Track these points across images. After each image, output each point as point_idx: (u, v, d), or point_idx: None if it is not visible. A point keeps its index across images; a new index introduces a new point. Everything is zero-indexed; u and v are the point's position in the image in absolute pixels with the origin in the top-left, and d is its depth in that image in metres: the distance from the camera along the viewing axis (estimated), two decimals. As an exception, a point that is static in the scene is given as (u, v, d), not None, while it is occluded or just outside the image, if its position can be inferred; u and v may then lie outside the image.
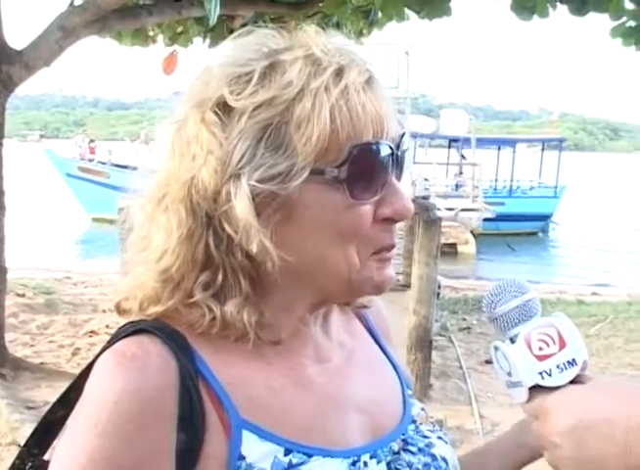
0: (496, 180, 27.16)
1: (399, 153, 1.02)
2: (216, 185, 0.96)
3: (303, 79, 0.95)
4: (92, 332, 8.15)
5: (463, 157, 27.75)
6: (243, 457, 0.93)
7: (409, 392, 1.20)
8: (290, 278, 1.00)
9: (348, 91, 0.96)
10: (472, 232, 20.29)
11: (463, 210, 20.20)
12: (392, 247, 1.03)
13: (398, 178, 1.03)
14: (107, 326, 8.02)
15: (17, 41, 6.65)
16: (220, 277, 0.98)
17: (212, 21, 5.38)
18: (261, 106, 0.95)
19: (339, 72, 0.97)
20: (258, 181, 0.94)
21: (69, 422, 0.95)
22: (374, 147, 0.98)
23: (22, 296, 9.70)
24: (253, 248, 0.95)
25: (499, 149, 27.99)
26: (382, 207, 0.99)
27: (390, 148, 1.00)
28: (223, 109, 0.97)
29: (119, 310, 1.05)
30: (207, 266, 0.98)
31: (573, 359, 0.97)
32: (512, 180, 26.80)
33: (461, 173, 26.60)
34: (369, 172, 0.98)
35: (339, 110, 0.94)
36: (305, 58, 0.97)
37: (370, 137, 0.97)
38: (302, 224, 0.97)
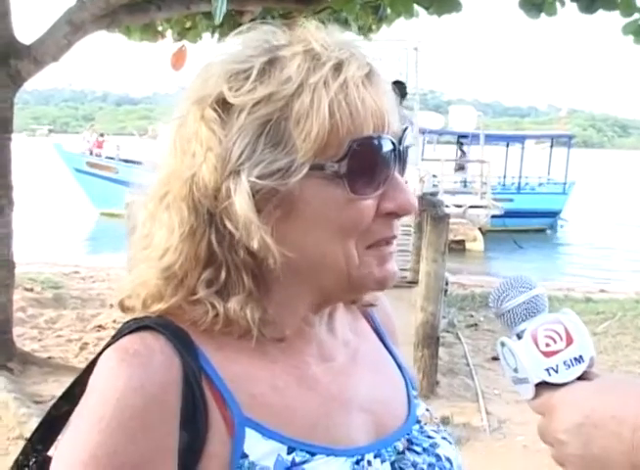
0: (505, 176, 27.07)
1: (401, 148, 1.01)
2: (216, 182, 0.96)
3: (302, 75, 0.95)
4: (100, 327, 8.16)
5: (463, 152, 27.70)
6: (245, 455, 0.93)
7: (414, 392, 1.19)
8: (291, 275, 1.00)
9: (347, 85, 0.95)
10: (480, 229, 20.24)
11: (471, 206, 20.15)
12: (393, 238, 1.02)
13: (401, 173, 1.02)
14: (114, 321, 8.02)
15: (25, 36, 6.67)
16: (223, 274, 0.98)
17: (218, 19, 5.39)
18: (260, 102, 0.95)
19: (338, 67, 0.96)
20: (258, 177, 0.94)
21: (73, 418, 0.95)
22: (374, 141, 0.97)
23: (31, 290, 9.71)
24: (254, 244, 0.95)
25: (508, 145, 27.90)
26: (384, 201, 0.99)
27: (392, 143, 0.99)
28: (222, 106, 0.97)
29: (123, 308, 1.05)
30: (211, 263, 0.98)
31: (580, 356, 0.96)
32: (520, 176, 26.71)
33: (462, 168, 26.53)
34: (370, 167, 0.97)
35: (338, 104, 0.94)
36: (305, 53, 0.97)
37: (370, 131, 0.96)
38: (304, 220, 0.97)
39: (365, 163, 0.96)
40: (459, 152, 27.97)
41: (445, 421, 5.66)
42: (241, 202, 0.94)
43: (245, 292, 0.98)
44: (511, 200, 23.36)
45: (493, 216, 20.61)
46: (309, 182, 0.95)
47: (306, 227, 0.98)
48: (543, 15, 7.10)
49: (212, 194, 0.96)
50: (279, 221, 0.97)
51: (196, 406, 0.93)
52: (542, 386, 0.97)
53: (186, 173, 0.98)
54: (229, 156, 0.95)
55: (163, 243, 0.99)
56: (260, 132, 0.95)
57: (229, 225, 0.96)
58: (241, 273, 0.98)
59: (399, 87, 9.11)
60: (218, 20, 5.39)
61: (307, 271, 1.00)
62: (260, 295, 1.00)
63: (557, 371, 0.96)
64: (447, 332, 8.64)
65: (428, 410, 1.17)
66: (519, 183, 26.63)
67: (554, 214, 25.78)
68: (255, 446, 0.94)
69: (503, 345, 1.01)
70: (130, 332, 0.97)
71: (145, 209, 1.03)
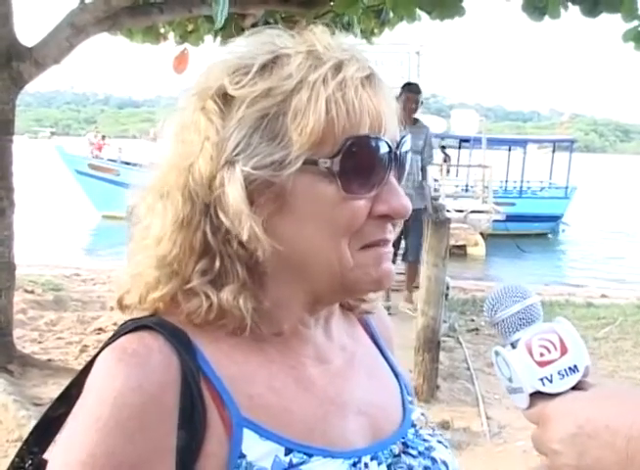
0: (506, 181, 27.08)
1: (399, 152, 1.02)
2: (212, 172, 0.97)
3: (303, 72, 0.97)
4: (100, 329, 8.15)
5: (447, 156, 27.68)
6: (243, 456, 0.93)
7: (409, 398, 1.20)
8: (283, 269, 1.01)
9: (346, 84, 0.96)
10: (481, 233, 20.21)
11: (473, 211, 20.13)
12: (386, 242, 1.02)
13: (399, 178, 1.03)
14: (114, 323, 7.99)
15: (27, 38, 6.67)
16: (217, 264, 0.99)
17: (219, 23, 5.39)
18: (260, 95, 0.97)
19: (338, 67, 0.98)
20: (252, 169, 0.95)
21: (70, 419, 0.95)
22: (369, 141, 0.98)
23: (31, 292, 9.69)
24: (244, 235, 0.96)
25: (510, 149, 27.91)
26: (378, 204, 1.00)
27: (388, 145, 1.00)
28: (223, 98, 0.99)
29: (121, 306, 1.06)
30: (205, 254, 0.99)
31: (575, 366, 0.96)
32: (522, 181, 26.71)
33: (448, 172, 26.52)
34: (363, 167, 0.98)
35: (335, 101, 0.95)
36: (307, 53, 0.99)
37: (367, 131, 0.97)
38: (295, 215, 0.98)
39: (359, 162, 0.97)
40: (443, 155, 27.92)
41: (445, 426, 5.65)
42: (233, 191, 0.95)
43: (238, 282, 0.99)
44: (513, 204, 23.34)
45: (495, 221, 20.59)
46: (303, 177, 0.96)
47: (298, 222, 0.98)
48: (546, 18, 7.09)
49: (207, 183, 0.98)
50: (271, 215, 0.98)
51: (194, 406, 0.93)
52: (537, 395, 0.97)
53: (184, 163, 0.99)
54: (225, 146, 0.97)
55: (158, 232, 1.01)
56: (258, 125, 0.97)
57: (222, 216, 0.97)
58: (235, 264, 0.99)
59: (414, 87, 9.12)
60: (219, 23, 5.40)
61: (299, 267, 1.01)
62: (255, 286, 1.00)
63: (551, 381, 0.96)
64: (448, 336, 8.62)
65: (423, 415, 1.18)
66: (521, 187, 26.62)
67: (556, 218, 25.76)
68: (253, 446, 0.94)
69: (497, 354, 1.01)
70: (128, 332, 0.97)
71: (144, 201, 1.04)
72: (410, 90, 8.94)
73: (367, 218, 0.99)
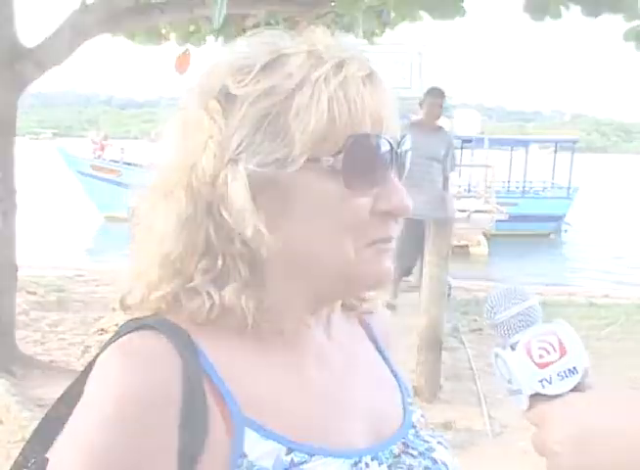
0: (509, 181, 27.06)
1: (399, 151, 1.03)
2: (215, 170, 0.98)
3: (304, 71, 0.98)
4: (102, 330, 8.14)
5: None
6: (244, 455, 0.93)
7: (409, 399, 1.20)
8: (286, 268, 1.01)
9: (347, 83, 0.97)
10: (484, 233, 20.20)
11: (475, 211, 20.11)
12: (389, 239, 1.03)
13: (400, 176, 1.04)
14: (117, 325, 7.78)
15: (29, 39, 6.67)
16: (220, 263, 0.99)
17: (217, 24, 5.39)
18: (262, 94, 0.97)
19: (339, 65, 0.98)
20: (255, 166, 0.96)
21: (72, 417, 0.95)
22: (371, 139, 0.99)
23: (34, 293, 9.70)
24: (248, 232, 0.97)
25: (512, 149, 27.88)
26: (379, 201, 1.00)
27: (390, 144, 1.01)
28: (226, 97, 0.99)
29: (124, 306, 1.06)
30: (208, 253, 1.00)
31: (574, 367, 0.96)
32: (525, 181, 26.70)
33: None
34: (366, 164, 0.99)
35: (337, 99, 0.96)
36: (309, 53, 1.00)
37: (368, 130, 0.98)
38: (298, 213, 0.99)
39: (361, 159, 0.98)
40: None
41: (448, 425, 5.65)
42: (237, 189, 0.96)
43: (240, 281, 0.99)
44: (515, 204, 23.31)
45: (498, 221, 20.56)
46: (305, 175, 0.97)
47: (301, 220, 0.99)
48: (548, 19, 7.09)
49: (210, 181, 0.98)
50: (274, 212, 0.98)
51: (196, 406, 0.94)
52: (536, 397, 0.97)
53: (187, 162, 1.00)
54: (228, 144, 0.98)
55: (161, 231, 1.01)
56: (260, 124, 0.97)
57: (225, 214, 0.98)
58: (237, 263, 0.99)
59: (438, 92, 9.01)
60: (217, 23, 5.40)
61: (301, 265, 1.01)
62: (257, 285, 1.01)
63: (550, 382, 0.96)
64: (451, 336, 8.62)
65: (423, 416, 1.19)
66: (523, 187, 26.60)
67: (558, 219, 25.73)
68: (254, 446, 0.94)
69: (497, 356, 1.01)
70: (130, 331, 0.98)
71: (147, 201, 1.05)
72: (435, 95, 8.79)
73: (369, 216, 1.00)
